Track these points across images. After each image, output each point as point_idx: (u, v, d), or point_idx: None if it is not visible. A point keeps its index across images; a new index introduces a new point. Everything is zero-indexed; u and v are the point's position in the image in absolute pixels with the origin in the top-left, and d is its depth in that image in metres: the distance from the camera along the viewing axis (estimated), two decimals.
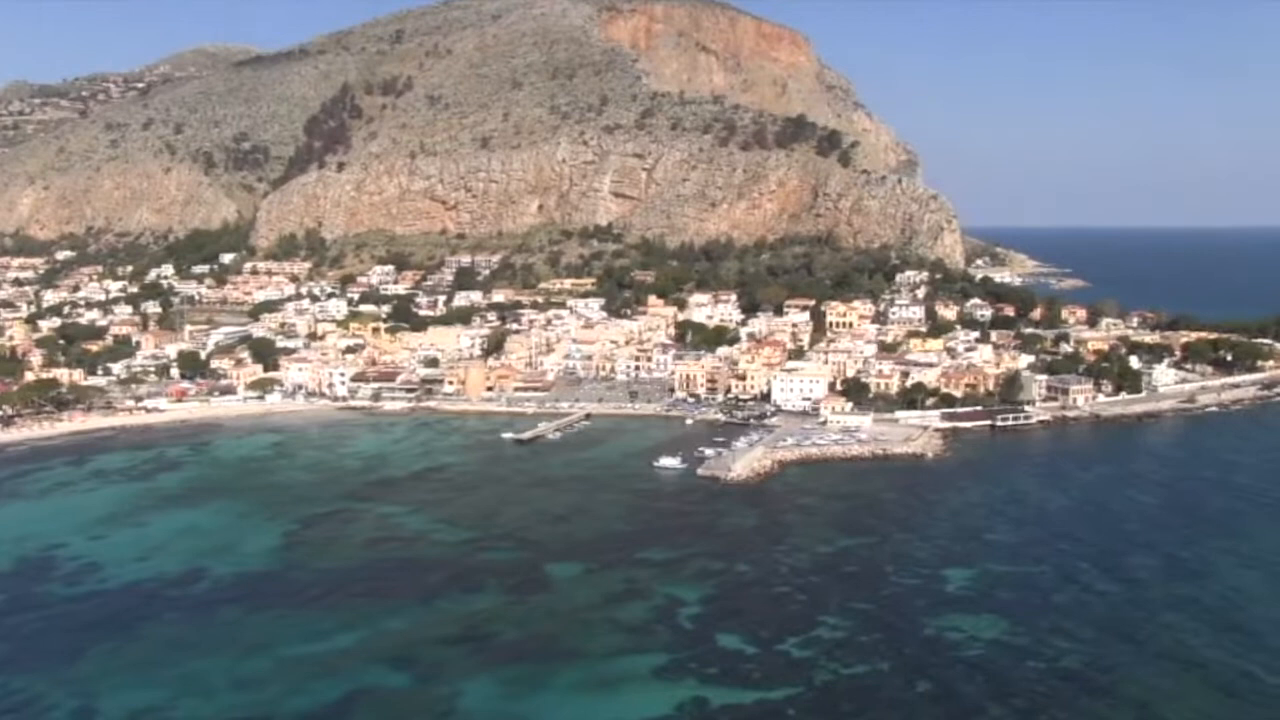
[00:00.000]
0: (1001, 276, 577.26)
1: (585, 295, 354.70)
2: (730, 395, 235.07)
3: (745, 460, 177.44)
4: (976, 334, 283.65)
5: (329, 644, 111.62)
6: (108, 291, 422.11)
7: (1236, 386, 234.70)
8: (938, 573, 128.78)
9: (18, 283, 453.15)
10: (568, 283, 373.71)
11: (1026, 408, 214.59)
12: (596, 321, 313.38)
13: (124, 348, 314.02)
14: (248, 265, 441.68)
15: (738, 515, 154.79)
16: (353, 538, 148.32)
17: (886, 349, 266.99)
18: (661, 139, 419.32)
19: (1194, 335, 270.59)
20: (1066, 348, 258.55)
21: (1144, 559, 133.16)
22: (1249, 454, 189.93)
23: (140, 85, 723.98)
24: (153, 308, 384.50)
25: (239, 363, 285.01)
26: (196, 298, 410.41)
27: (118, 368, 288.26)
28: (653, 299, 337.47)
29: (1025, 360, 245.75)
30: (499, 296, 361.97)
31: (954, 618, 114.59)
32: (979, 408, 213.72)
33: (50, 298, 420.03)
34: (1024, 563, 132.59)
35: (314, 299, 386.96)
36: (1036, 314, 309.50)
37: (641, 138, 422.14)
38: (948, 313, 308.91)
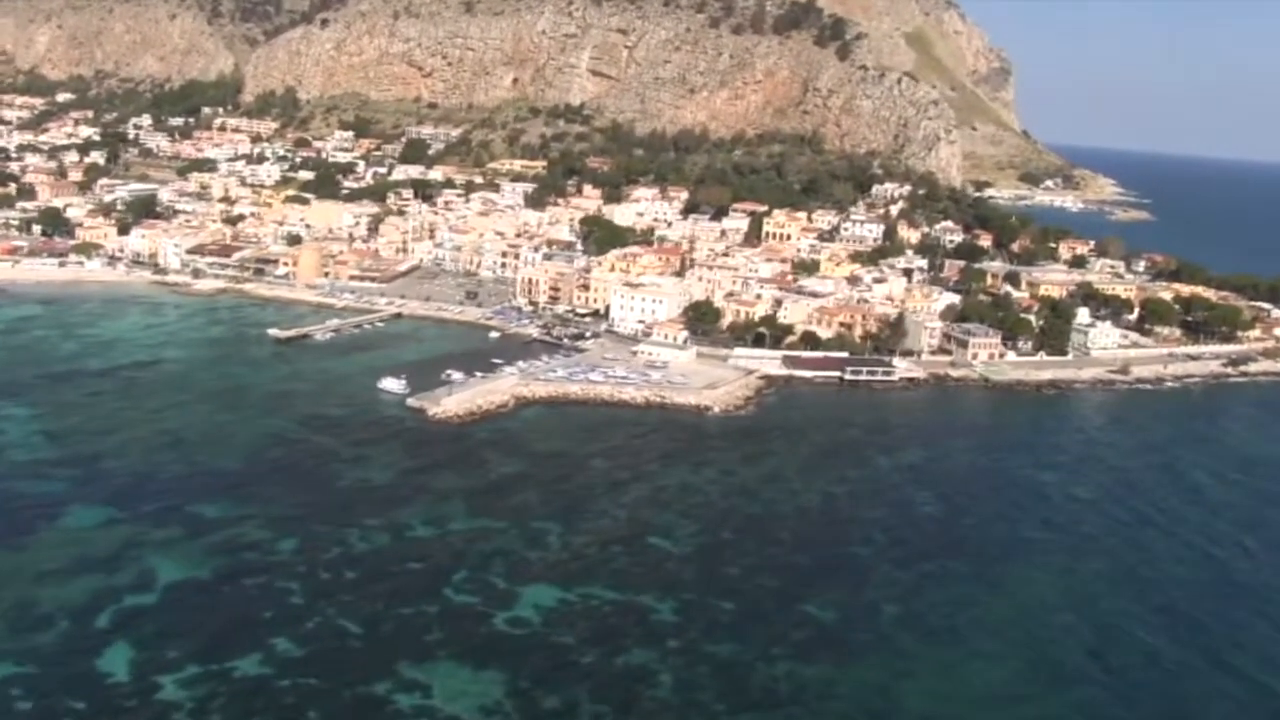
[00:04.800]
0: (1063, 201, 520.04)
1: (530, 179, 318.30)
2: (570, 308, 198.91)
3: (466, 394, 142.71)
4: (924, 262, 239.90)
5: None
6: (69, 136, 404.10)
7: (1194, 359, 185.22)
8: (515, 589, 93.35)
9: (2, 121, 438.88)
10: (517, 164, 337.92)
11: (895, 361, 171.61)
12: (500, 208, 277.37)
13: (20, 198, 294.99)
14: (217, 121, 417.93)
15: (384, 466, 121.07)
16: None
17: (805, 269, 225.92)
18: (649, 15, 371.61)
19: (1188, 290, 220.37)
20: (1009, 289, 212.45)
21: (820, 608, 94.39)
22: (1137, 456, 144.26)
23: None
24: (97, 157, 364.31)
25: (116, 223, 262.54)
26: (154, 150, 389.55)
27: None
28: (587, 189, 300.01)
29: (947, 300, 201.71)
30: (436, 174, 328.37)
31: (440, 667, 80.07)
32: (838, 354, 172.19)
33: (16, 139, 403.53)
34: (648, 589, 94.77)
35: (259, 160, 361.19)
36: (1017, 245, 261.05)
37: (629, 12, 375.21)
38: (910, 234, 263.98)
